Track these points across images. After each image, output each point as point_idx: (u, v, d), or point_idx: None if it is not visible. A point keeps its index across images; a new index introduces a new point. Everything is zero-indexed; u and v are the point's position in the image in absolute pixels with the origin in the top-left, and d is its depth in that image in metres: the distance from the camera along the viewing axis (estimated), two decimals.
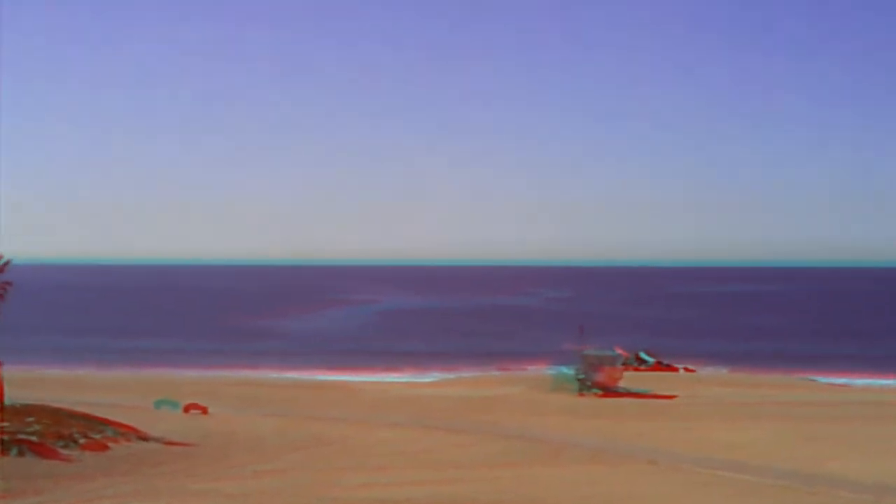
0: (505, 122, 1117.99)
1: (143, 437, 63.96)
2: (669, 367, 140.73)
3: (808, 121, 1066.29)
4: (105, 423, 64.70)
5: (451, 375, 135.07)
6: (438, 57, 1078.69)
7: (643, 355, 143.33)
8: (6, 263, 63.72)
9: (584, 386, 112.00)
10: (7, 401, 62.44)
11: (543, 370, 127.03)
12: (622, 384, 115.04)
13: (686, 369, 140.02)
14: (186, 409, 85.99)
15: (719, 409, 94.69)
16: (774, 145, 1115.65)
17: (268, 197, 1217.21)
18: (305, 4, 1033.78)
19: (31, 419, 59.69)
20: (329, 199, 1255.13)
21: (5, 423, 56.65)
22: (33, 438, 55.19)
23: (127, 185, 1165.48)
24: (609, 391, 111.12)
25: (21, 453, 52.32)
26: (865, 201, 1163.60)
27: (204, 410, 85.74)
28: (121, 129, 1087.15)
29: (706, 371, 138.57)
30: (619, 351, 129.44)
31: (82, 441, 57.99)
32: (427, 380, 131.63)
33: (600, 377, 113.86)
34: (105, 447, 58.31)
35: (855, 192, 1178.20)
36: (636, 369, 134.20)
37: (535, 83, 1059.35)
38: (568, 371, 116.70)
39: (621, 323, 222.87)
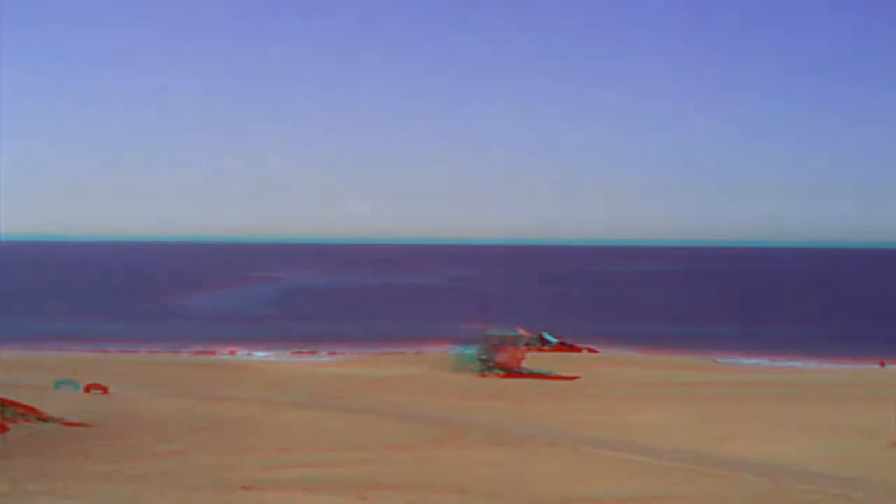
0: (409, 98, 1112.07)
1: (43, 418, 63.00)
2: (573, 348, 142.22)
3: (725, 98, 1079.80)
4: (3, 403, 63.52)
5: (352, 355, 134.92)
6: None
7: (546, 335, 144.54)
8: None
9: (487, 367, 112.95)
10: None
11: (445, 350, 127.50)
12: (525, 365, 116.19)
13: (589, 350, 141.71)
14: (87, 389, 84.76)
15: (621, 390, 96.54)
16: (685, 123, 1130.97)
17: (176, 172, 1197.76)
18: None
19: None
20: (239, 175, 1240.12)
21: None
22: None
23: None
24: (511, 372, 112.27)
25: None
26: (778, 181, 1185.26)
27: (105, 390, 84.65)
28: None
29: (609, 351, 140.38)
30: (521, 331, 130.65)
31: None
32: (328, 360, 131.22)
33: (502, 358, 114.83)
34: (3, 428, 57.34)
35: (766, 172, 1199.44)
36: (539, 350, 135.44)
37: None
38: (470, 351, 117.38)
39: (525, 302, 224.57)
